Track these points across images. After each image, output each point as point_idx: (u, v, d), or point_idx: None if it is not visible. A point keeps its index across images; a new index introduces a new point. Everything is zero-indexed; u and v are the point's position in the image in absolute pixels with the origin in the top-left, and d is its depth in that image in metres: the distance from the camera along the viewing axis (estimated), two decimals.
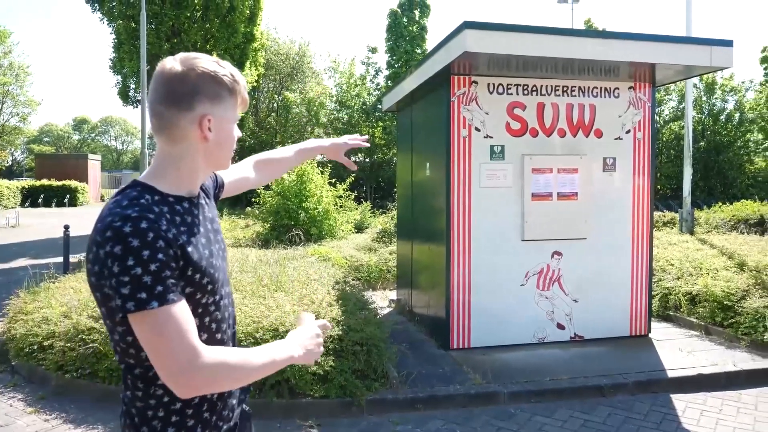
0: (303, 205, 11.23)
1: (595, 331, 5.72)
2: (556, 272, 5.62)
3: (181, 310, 1.19)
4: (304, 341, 1.40)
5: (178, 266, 1.23)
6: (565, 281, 5.64)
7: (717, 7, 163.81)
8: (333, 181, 12.87)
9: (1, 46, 39.11)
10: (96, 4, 16.64)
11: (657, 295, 6.74)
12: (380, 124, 22.71)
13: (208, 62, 1.32)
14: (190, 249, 1.27)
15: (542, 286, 5.60)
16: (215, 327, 1.38)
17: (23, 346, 5.03)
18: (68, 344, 4.69)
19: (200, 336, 1.29)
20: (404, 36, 24.05)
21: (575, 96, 5.62)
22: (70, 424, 4.06)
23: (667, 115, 23.95)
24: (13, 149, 51.34)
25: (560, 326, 5.65)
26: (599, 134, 5.69)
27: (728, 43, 5.18)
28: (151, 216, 1.20)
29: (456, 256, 5.43)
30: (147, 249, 1.16)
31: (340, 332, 4.37)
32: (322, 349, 1.44)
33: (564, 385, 4.54)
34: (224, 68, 1.33)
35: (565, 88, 5.59)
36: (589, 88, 5.64)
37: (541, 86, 5.55)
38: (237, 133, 1.41)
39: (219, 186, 1.65)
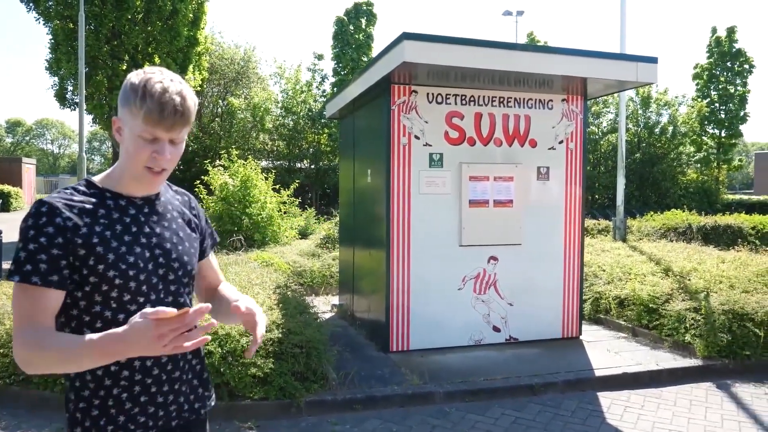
0: (247, 210, 11.16)
1: (530, 334, 5.96)
2: (493, 277, 5.83)
3: (40, 294, 1.28)
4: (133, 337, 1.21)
5: (72, 253, 1.31)
6: (501, 285, 5.86)
7: (653, 26, 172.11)
8: (277, 187, 12.83)
9: None
10: (31, 4, 16.04)
11: (588, 299, 7.07)
12: (326, 130, 22.74)
13: (143, 72, 1.36)
14: (95, 240, 1.33)
15: (479, 290, 5.80)
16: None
17: None
18: (1, 350, 4.56)
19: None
20: (350, 44, 24.21)
21: (511, 107, 5.86)
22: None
23: (605, 127, 24.98)
24: None
25: (496, 329, 5.86)
26: (534, 144, 5.95)
27: (653, 60, 5.53)
28: (57, 203, 1.33)
29: (396, 261, 5.56)
30: (33, 230, 1.29)
31: (280, 335, 4.42)
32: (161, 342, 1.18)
33: (497, 384, 4.73)
34: (148, 78, 1.33)
35: (501, 99, 5.83)
36: (524, 99, 5.90)
37: (479, 96, 5.76)
38: (146, 147, 1.35)
39: (204, 241, 1.65)
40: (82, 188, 1.41)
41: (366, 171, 6.26)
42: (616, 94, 14.49)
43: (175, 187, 1.65)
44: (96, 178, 1.46)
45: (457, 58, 4.88)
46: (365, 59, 24.20)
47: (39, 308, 1.28)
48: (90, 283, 1.34)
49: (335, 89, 23.24)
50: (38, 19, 16.20)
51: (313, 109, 23.08)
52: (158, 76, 1.34)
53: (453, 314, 5.71)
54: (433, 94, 5.63)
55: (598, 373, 5.05)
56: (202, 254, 1.64)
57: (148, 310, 1.17)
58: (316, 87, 24.42)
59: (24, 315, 1.28)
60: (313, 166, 23.09)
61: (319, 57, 24.71)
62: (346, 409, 4.32)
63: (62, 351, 1.22)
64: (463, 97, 5.72)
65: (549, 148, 6.01)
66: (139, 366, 1.40)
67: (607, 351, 5.71)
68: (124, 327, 1.19)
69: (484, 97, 5.77)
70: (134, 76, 1.35)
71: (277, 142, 23.69)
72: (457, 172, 5.69)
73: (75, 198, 1.37)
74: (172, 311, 1.13)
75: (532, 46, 5.49)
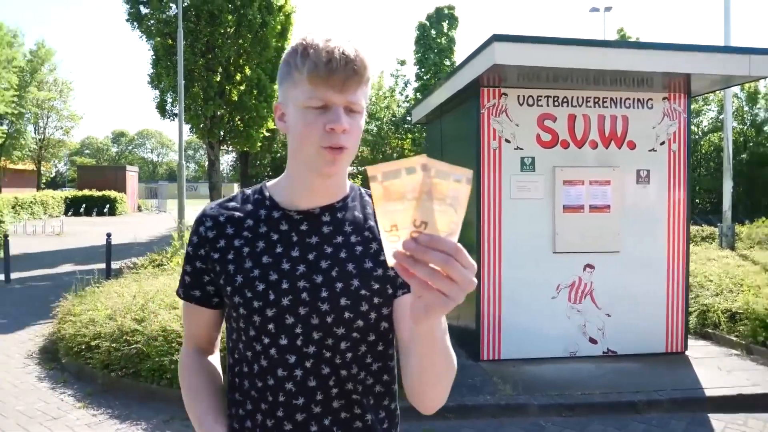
0: None
1: (629, 347, 5.63)
2: (588, 285, 5.56)
3: (189, 308, 1.20)
4: None
5: (211, 269, 1.13)
6: (597, 295, 5.57)
7: (761, 16, 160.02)
8: None
9: (47, 64, 40.83)
10: (135, 23, 17.24)
11: (694, 311, 6.59)
12: (409, 136, 22.82)
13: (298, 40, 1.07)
14: (230, 256, 1.11)
15: (574, 299, 5.55)
16: (247, 374, 1.11)
17: (72, 346, 5.39)
18: (113, 345, 5.00)
19: (237, 374, 1.14)
20: (432, 48, 24.21)
21: (607, 107, 5.59)
22: (115, 420, 4.32)
23: (705, 126, 23.42)
24: (56, 161, 53.12)
25: (592, 340, 5.58)
26: (632, 146, 5.64)
27: None
28: (209, 210, 1.17)
29: (486, 268, 5.43)
30: (188, 241, 1.19)
31: None
32: None
33: (596, 399, 4.49)
34: (309, 36, 1.04)
35: (596, 99, 5.57)
36: (621, 99, 5.61)
37: (572, 97, 5.54)
38: (317, 119, 1.03)
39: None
40: (249, 192, 1.19)
41: None
42: (719, 91, 13.52)
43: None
44: (269, 183, 1.20)
45: (548, 58, 4.73)
46: (448, 63, 24.11)
47: (191, 322, 1.21)
48: (227, 306, 1.15)
49: (418, 94, 23.35)
50: (141, 36, 17.39)
51: (397, 115, 23.23)
52: (320, 32, 1.06)
53: (547, 324, 5.49)
54: (523, 96, 5.47)
55: (708, 392, 4.67)
56: (393, 294, 1.12)
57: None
58: (399, 92, 24.59)
59: (185, 326, 1.24)
60: None
61: (402, 62, 24.87)
62: (437, 417, 4.24)
63: (188, 408, 1.18)
64: (556, 99, 5.52)
65: (649, 150, 5.67)
66: None
67: (718, 369, 5.28)
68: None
69: (577, 97, 5.54)
70: (293, 44, 1.08)
71: (361, 147, 24.05)
72: (550, 176, 5.50)
73: (230, 204, 1.17)
74: None
75: (628, 42, 5.23)
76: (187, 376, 1.20)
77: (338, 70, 1.00)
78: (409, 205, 0.66)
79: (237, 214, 1.14)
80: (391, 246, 0.69)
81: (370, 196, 1.19)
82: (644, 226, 5.67)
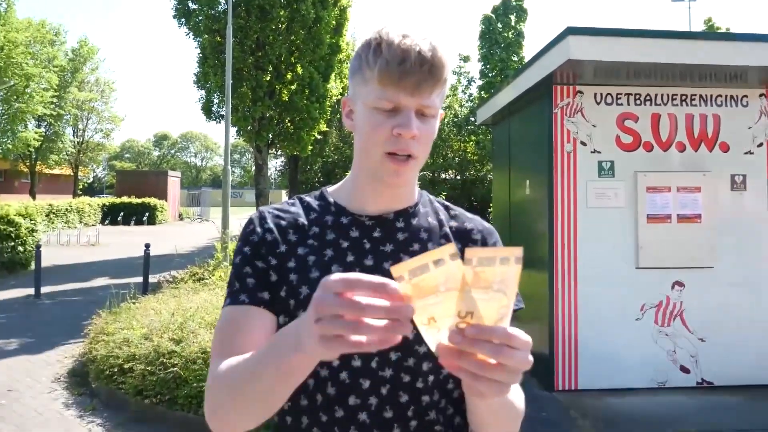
0: None
1: (728, 377, 5.51)
2: (678, 306, 5.50)
3: (246, 316, 1.05)
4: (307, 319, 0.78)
5: (273, 272, 1.09)
6: (688, 316, 5.50)
7: None
8: None
9: (89, 63, 42.78)
10: (183, 19, 18.03)
11: None
12: (473, 138, 22.80)
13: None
14: (292, 263, 1.09)
15: (661, 321, 5.49)
16: (307, 409, 1.06)
17: (104, 368, 5.46)
18: (148, 368, 5.02)
19: (291, 411, 1.08)
20: (499, 43, 24.22)
21: (696, 105, 5.55)
22: None
23: None
24: (95, 166, 55.49)
25: (684, 369, 5.50)
26: (725, 148, 5.57)
27: None
28: (267, 212, 1.14)
29: (560, 285, 5.44)
30: (241, 241, 1.13)
31: None
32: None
33: None
34: (385, 30, 1.05)
35: (683, 97, 5.54)
36: (711, 96, 5.56)
37: (656, 95, 5.52)
38: (384, 122, 1.04)
39: None
40: (308, 199, 1.19)
41: (524, 182, 6.24)
42: None
43: (446, 205, 1.24)
44: (330, 188, 1.21)
45: (629, 52, 4.77)
46: (515, 59, 24.03)
47: (244, 338, 1.03)
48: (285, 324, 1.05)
49: (483, 93, 23.34)
50: (188, 33, 18.18)
51: (459, 115, 23.29)
52: (396, 27, 1.06)
53: (630, 349, 5.45)
54: (601, 94, 5.49)
55: None
56: None
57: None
58: (462, 91, 24.64)
59: (228, 344, 1.03)
60: (458, 177, 23.26)
61: (465, 59, 24.93)
62: None
63: (234, 368, 0.95)
64: (637, 97, 5.52)
65: (745, 153, 5.59)
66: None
67: None
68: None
69: (662, 95, 5.52)
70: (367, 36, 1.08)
71: None
72: (632, 182, 5.49)
73: (291, 209, 1.16)
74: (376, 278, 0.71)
75: (719, 33, 5.24)
76: (226, 366, 0.98)
77: (412, 72, 1.00)
78: (444, 297, 0.69)
79: (300, 219, 1.13)
80: (432, 337, 0.72)
81: (438, 202, 1.23)
82: (742, 239, 5.57)
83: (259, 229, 1.11)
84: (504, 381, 0.72)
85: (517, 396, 1.05)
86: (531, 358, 0.72)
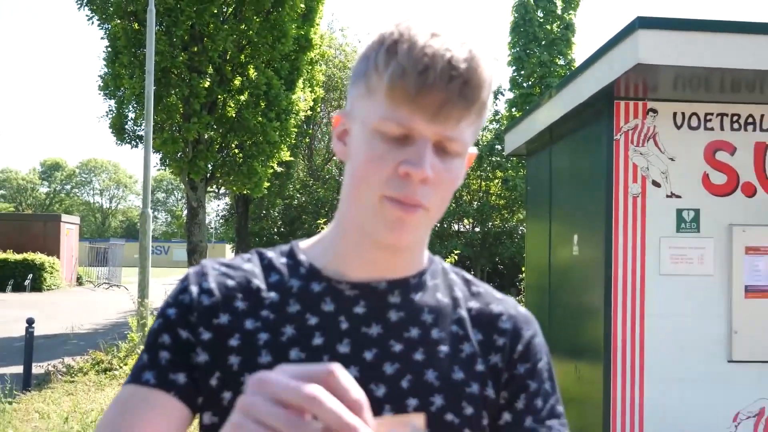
0: None
1: None
2: None
3: (146, 400, 1.06)
4: None
5: (203, 349, 1.09)
6: None
7: None
8: None
9: None
10: None
11: None
12: (499, 173, 22.94)
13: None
14: (233, 342, 1.08)
15: None
16: None
17: None
18: None
19: None
20: (539, 39, 24.18)
21: None
22: None
23: None
24: None
25: None
26: None
27: None
28: (209, 267, 1.16)
29: (620, 385, 5.42)
30: (166, 302, 1.15)
31: None
32: None
33: None
34: (407, 23, 1.02)
35: None
36: None
37: (761, 117, 5.59)
38: (388, 152, 1.02)
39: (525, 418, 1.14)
40: (271, 254, 1.19)
41: (570, 237, 6.26)
42: None
43: (466, 279, 1.25)
44: (303, 243, 1.22)
45: (725, 54, 4.82)
46: (562, 63, 24.20)
47: (126, 427, 1.04)
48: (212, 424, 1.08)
49: (514, 110, 23.49)
50: (91, 18, 17.80)
51: (480, 142, 23.45)
52: (425, 20, 1.02)
53: None
54: (683, 114, 5.55)
55: None
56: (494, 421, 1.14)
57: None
58: None
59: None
60: (477, 229, 23.36)
61: None
62: None
63: None
64: (736, 119, 5.58)
65: None
66: None
67: None
68: None
69: None
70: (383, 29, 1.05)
71: None
72: (725, 240, 5.52)
73: (244, 266, 1.16)
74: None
75: None
76: None
77: (436, 87, 0.97)
78: None
79: (255, 281, 1.14)
80: None
81: (456, 273, 1.23)
82: None
83: (193, 288, 1.12)
84: None
85: None
86: None
